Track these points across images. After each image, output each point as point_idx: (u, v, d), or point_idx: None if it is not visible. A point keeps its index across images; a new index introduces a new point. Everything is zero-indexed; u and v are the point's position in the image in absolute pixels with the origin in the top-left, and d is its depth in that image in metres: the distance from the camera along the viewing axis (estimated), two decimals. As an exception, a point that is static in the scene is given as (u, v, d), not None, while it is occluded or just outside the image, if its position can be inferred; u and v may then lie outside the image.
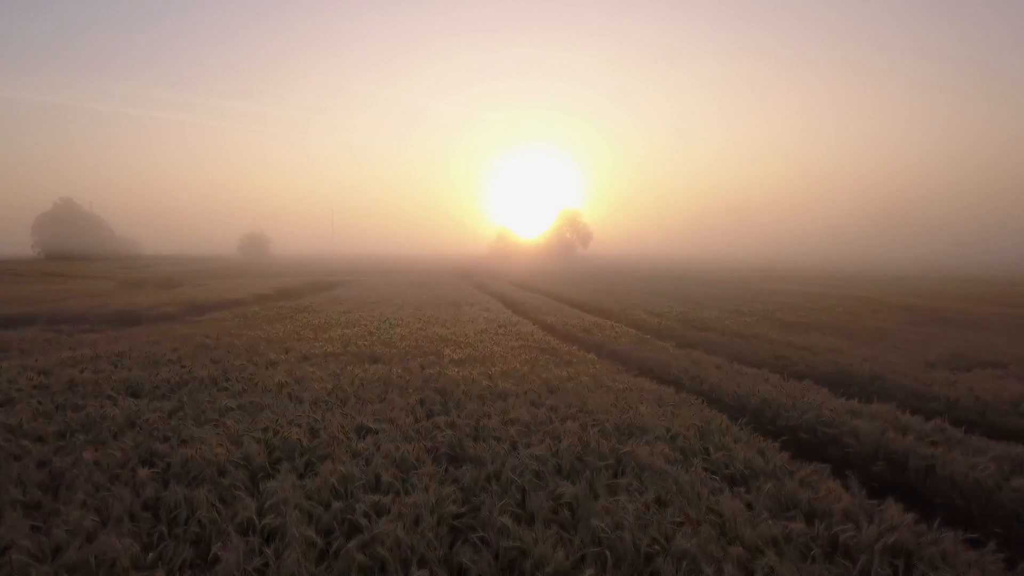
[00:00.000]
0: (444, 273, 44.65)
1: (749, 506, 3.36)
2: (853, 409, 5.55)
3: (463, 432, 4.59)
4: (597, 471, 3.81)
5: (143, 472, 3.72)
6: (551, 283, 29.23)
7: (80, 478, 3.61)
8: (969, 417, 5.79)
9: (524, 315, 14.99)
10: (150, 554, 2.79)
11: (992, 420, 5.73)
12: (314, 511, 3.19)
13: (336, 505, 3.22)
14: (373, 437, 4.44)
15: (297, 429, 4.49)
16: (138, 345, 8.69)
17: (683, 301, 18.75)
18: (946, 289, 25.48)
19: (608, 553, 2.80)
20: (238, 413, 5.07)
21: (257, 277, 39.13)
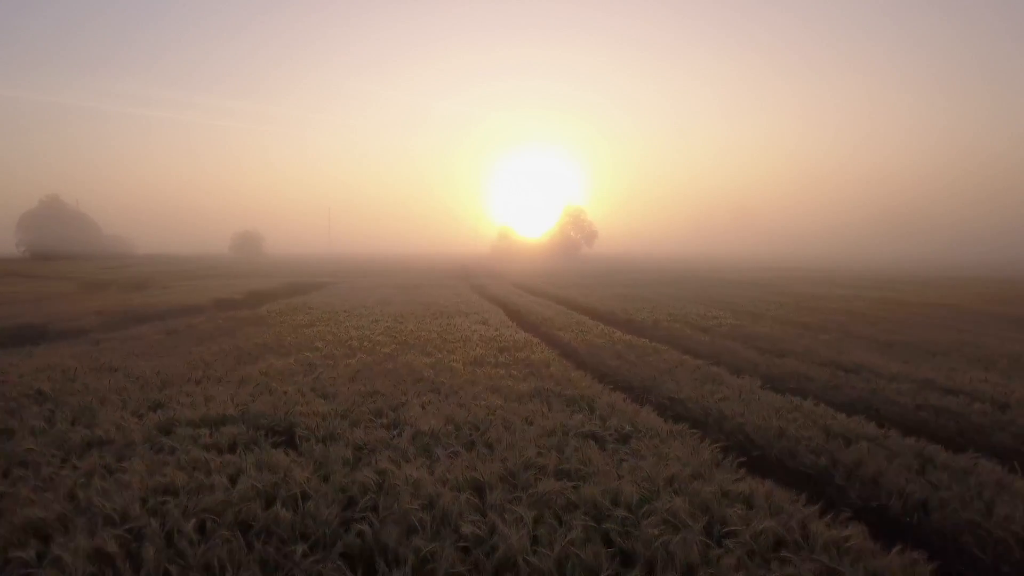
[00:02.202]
0: (442, 274, 41.40)
1: None
2: None
3: None
4: None
5: None
6: (559, 285, 25.98)
7: None
8: None
9: (533, 330, 11.74)
10: None
11: None
12: None
13: None
14: None
15: None
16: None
17: (723, 308, 15.48)
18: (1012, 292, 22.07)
19: None
20: None
21: (238, 278, 35.96)
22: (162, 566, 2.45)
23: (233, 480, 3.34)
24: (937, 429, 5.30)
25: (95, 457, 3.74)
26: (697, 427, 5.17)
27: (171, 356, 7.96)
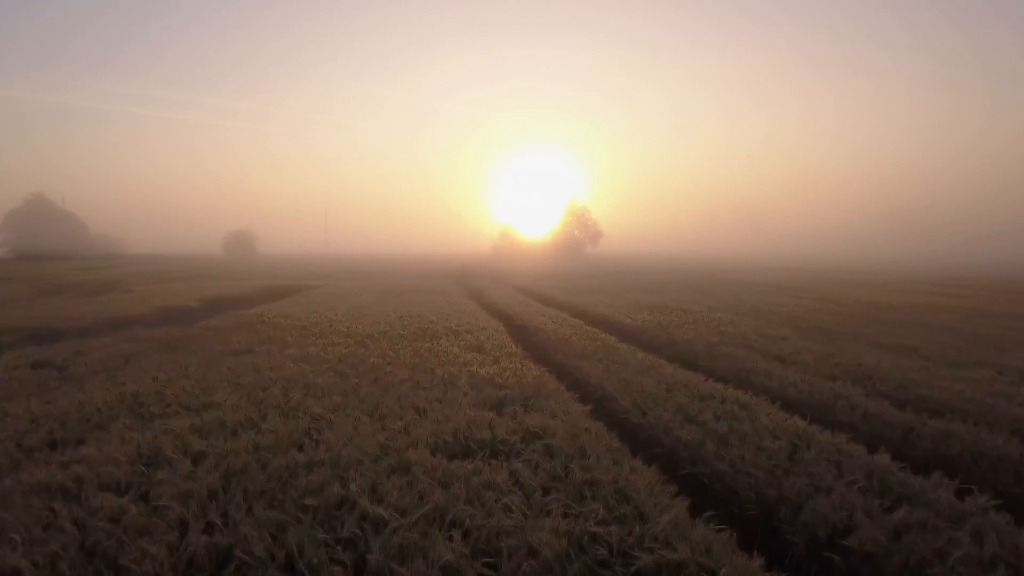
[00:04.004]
0: (439, 275, 38.25)
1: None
2: None
3: None
4: None
5: None
6: (569, 290, 22.82)
7: None
8: None
9: (546, 360, 8.61)
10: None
11: None
12: None
13: None
14: None
15: None
16: None
17: (778, 322, 12.34)
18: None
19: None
20: None
21: (216, 280, 32.87)
22: None
23: None
24: None
25: None
26: None
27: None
